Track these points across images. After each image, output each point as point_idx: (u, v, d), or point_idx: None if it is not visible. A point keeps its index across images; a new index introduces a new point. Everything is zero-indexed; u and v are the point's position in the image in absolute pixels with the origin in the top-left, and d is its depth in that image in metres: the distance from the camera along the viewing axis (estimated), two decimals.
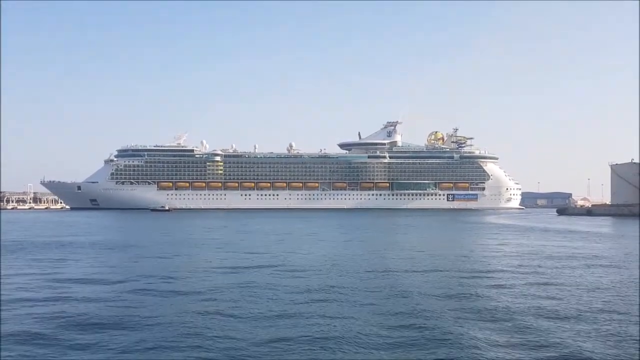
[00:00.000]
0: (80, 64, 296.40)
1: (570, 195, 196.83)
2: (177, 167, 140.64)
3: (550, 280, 19.88)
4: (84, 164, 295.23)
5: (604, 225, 66.07)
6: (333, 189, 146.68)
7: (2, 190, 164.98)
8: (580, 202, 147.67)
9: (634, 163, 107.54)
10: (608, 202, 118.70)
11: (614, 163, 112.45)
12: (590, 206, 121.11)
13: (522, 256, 28.57)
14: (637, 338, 11.81)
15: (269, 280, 19.83)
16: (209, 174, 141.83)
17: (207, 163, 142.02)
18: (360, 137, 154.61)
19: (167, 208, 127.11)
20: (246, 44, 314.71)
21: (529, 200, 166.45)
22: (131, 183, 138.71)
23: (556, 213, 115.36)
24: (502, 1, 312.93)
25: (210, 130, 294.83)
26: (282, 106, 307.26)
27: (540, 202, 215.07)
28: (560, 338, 11.84)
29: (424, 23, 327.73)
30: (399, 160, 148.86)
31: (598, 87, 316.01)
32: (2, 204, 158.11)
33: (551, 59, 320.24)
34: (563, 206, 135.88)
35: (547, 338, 11.88)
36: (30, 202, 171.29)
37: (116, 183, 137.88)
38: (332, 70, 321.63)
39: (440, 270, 22.34)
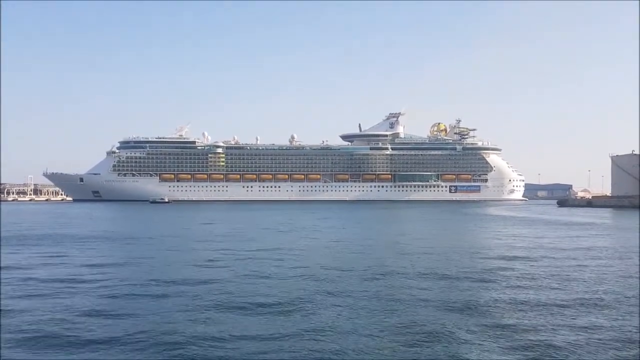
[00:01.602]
0: (81, 57, 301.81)
1: (570, 186, 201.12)
2: (179, 158, 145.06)
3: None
4: (86, 156, 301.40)
5: (607, 217, 68.73)
6: (335, 181, 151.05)
7: (2, 182, 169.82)
8: (580, 194, 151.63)
9: (634, 154, 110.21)
10: (608, 193, 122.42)
11: (614, 154, 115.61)
12: (590, 198, 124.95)
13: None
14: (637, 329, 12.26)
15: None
16: (210, 165, 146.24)
17: (209, 155, 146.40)
18: (360, 129, 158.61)
19: (166, 200, 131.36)
20: (248, 39, 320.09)
21: (530, 191, 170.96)
22: (133, 175, 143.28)
23: (557, 204, 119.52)
24: (503, 1, 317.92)
25: (212, 122, 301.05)
26: (284, 98, 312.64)
27: (540, 193, 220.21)
28: None
29: (425, 21, 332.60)
30: (401, 152, 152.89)
31: (599, 79, 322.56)
32: (2, 195, 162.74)
33: (553, 53, 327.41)
34: (563, 198, 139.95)
35: None
36: (30, 194, 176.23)
37: (118, 175, 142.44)
38: (333, 65, 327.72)
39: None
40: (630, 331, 12.07)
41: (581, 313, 13.73)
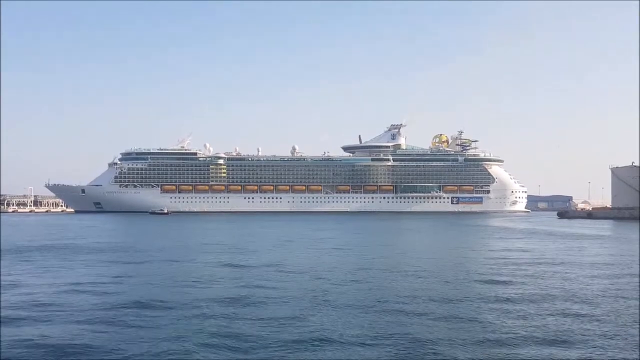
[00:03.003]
0: (82, 66, 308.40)
1: (570, 198, 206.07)
2: (181, 170, 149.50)
3: None
4: (87, 167, 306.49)
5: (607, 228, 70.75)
6: (336, 192, 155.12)
7: (2, 193, 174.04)
8: (580, 205, 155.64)
9: (635, 166, 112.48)
10: (608, 205, 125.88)
11: (615, 166, 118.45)
12: (590, 209, 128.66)
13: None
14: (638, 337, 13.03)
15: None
16: (212, 177, 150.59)
17: (211, 166, 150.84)
18: (360, 140, 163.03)
19: (165, 211, 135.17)
20: (250, 47, 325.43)
21: (530, 203, 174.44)
22: (135, 186, 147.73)
23: (557, 216, 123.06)
24: (505, 1, 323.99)
25: (213, 134, 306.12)
26: (286, 109, 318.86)
27: (541, 205, 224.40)
28: None
29: (427, 24, 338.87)
30: (403, 163, 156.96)
31: (599, 90, 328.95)
32: (2, 207, 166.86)
33: (551, 62, 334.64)
34: (564, 209, 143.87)
35: None
36: (30, 206, 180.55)
37: (120, 186, 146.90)
38: (336, 73, 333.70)
39: None
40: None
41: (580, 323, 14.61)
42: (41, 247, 38.20)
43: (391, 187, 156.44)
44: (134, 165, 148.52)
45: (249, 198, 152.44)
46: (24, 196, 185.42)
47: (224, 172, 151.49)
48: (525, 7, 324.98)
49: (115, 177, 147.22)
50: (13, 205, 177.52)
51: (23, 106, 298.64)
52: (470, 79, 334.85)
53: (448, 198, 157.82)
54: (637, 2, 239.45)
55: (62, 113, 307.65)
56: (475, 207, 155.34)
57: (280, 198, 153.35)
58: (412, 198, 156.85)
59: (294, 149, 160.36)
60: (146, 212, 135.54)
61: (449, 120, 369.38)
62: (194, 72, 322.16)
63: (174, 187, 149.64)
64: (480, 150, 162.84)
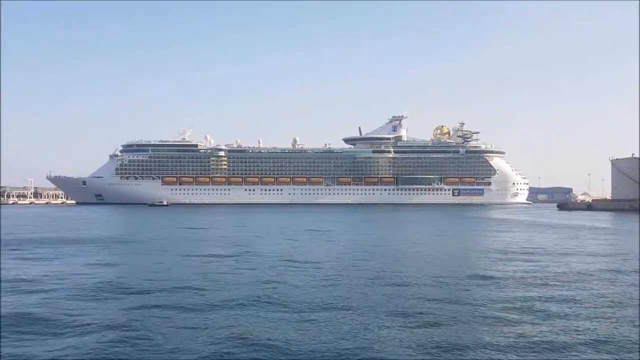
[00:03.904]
0: (82, 65, 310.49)
1: (570, 190, 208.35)
2: (181, 162, 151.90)
3: None
4: (87, 167, 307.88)
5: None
6: (337, 184, 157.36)
7: (2, 185, 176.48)
8: (580, 197, 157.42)
9: (635, 158, 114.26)
10: (608, 197, 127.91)
11: (615, 158, 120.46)
12: (590, 201, 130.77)
13: None
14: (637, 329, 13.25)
15: None
16: (212, 169, 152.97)
17: (211, 158, 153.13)
18: (360, 132, 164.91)
19: (165, 203, 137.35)
20: (251, 42, 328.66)
21: (530, 195, 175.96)
22: (135, 178, 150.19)
23: (557, 208, 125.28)
24: (506, 1, 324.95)
25: (214, 125, 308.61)
26: (286, 109, 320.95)
27: (540, 197, 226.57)
28: None
29: (427, 24, 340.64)
30: (404, 155, 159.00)
31: (599, 82, 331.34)
32: (2, 198, 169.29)
33: (553, 56, 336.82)
34: (564, 201, 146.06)
35: None
36: (30, 197, 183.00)
37: (121, 178, 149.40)
38: (337, 68, 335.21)
39: None
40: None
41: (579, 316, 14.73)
42: (43, 239, 39.02)
43: (392, 179, 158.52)
44: (135, 157, 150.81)
45: (249, 190, 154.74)
46: (24, 188, 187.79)
47: (224, 164, 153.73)
48: (525, 7, 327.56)
49: (116, 168, 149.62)
50: (13, 197, 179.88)
51: (23, 106, 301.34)
52: (470, 79, 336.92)
53: (449, 190, 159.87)
54: (637, 2, 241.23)
55: (62, 113, 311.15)
56: (476, 199, 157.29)
57: (281, 190, 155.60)
58: (413, 190, 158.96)
59: (294, 140, 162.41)
60: (147, 203, 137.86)
61: (449, 120, 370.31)
62: (194, 72, 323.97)
63: (174, 179, 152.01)
64: (481, 142, 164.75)
